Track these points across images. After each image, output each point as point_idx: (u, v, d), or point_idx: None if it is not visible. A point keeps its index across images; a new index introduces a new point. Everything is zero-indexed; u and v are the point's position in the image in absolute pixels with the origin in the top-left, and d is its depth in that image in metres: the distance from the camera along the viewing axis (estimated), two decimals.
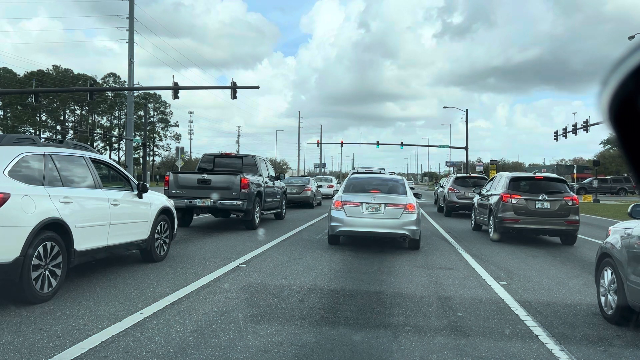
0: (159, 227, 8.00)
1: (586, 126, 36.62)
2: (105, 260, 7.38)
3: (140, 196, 7.56)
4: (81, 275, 6.62)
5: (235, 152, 19.18)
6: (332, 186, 32.09)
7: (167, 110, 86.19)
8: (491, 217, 12.20)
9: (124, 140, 51.21)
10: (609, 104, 0.73)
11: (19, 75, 71.42)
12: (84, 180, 6.42)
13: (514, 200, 11.51)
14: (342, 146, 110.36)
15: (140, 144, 46.14)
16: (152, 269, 7.31)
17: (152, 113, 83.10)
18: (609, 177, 54.05)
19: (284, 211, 16.88)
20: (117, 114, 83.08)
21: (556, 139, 40.91)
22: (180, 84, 28.07)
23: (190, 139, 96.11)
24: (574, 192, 12.56)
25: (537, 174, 12.94)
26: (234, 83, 26.94)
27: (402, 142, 56.86)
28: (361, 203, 9.70)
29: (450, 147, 57.99)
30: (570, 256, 10.14)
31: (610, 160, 68.02)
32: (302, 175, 55.38)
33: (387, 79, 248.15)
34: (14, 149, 5.44)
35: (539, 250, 10.72)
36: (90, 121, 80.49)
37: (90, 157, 6.71)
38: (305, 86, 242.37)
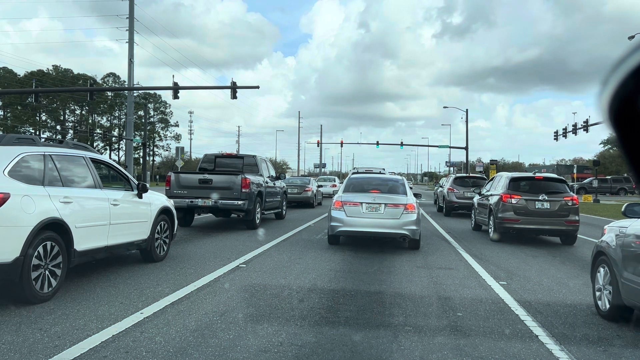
0: (159, 227, 8.00)
1: (586, 126, 36.62)
2: (105, 260, 7.38)
3: (140, 196, 7.56)
4: (81, 275, 6.62)
5: (236, 152, 19.21)
6: (335, 185, 32.83)
7: (167, 110, 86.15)
8: (491, 217, 12.21)
9: (124, 140, 51.22)
10: (609, 104, 0.73)
11: (19, 75, 71.42)
12: (84, 180, 6.42)
13: (513, 201, 11.52)
14: (342, 146, 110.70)
15: (140, 144, 46.18)
16: (152, 269, 7.32)
17: (152, 113, 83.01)
18: (609, 177, 53.99)
19: (284, 211, 16.91)
20: (117, 114, 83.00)
21: (556, 139, 40.91)
22: (180, 84, 28.09)
23: (190, 139, 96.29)
24: (574, 192, 12.57)
25: (537, 174, 12.94)
26: (234, 83, 26.95)
27: (402, 142, 56.90)
28: (361, 203, 9.70)
29: (450, 147, 58.06)
30: (570, 256, 10.14)
31: (610, 160, 67.96)
32: (302, 175, 55.46)
33: (387, 79, 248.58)
34: (14, 149, 5.45)
35: (539, 250, 10.72)
36: (90, 121, 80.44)
37: (90, 157, 6.72)
38: (305, 86, 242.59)
